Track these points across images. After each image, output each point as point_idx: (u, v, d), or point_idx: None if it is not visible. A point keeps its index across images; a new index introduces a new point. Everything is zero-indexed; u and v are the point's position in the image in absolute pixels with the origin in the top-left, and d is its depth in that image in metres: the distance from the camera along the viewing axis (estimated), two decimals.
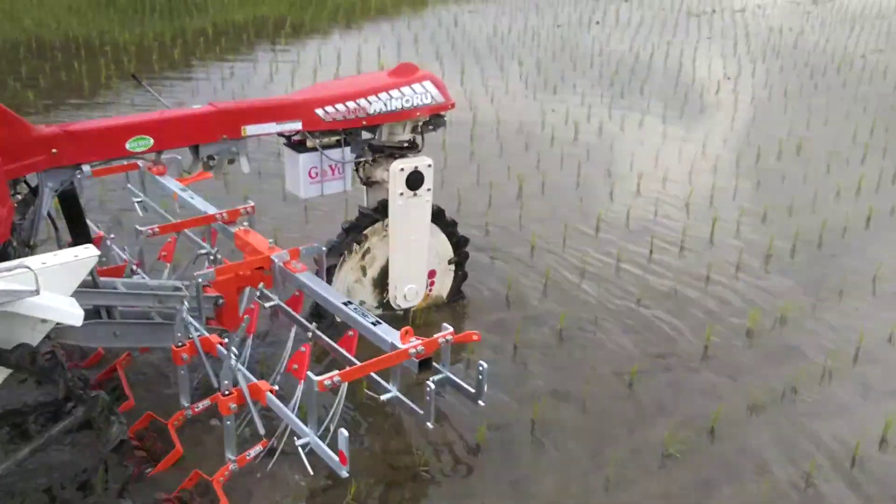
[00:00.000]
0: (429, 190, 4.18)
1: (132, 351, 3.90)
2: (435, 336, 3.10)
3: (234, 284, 3.82)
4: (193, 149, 3.65)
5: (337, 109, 3.84)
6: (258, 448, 3.22)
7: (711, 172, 7.32)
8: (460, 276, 4.69)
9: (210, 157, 3.71)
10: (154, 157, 3.59)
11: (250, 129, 3.66)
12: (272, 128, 3.72)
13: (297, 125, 3.79)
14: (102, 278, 3.69)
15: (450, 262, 4.61)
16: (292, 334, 3.64)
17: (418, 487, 3.31)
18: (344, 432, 2.75)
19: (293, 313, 3.56)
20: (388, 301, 4.38)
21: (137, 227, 4.05)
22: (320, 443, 2.90)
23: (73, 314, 2.56)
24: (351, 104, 3.87)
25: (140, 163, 4.68)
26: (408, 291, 4.33)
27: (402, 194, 4.09)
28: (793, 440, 3.76)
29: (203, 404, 3.49)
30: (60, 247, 3.54)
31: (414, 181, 4.10)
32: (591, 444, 3.65)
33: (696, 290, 5.11)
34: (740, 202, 6.64)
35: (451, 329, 3.13)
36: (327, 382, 2.86)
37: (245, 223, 4.11)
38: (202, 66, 10.98)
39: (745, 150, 7.98)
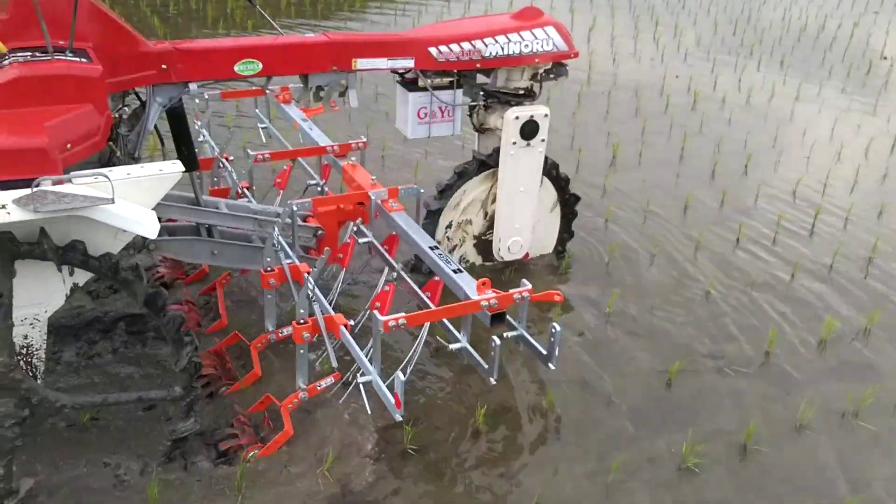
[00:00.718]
0: (543, 141, 4.03)
1: (233, 271, 4.00)
2: (511, 291, 2.98)
3: (334, 217, 3.83)
4: (303, 78, 3.64)
5: (451, 49, 3.73)
6: (329, 380, 3.23)
7: (834, 158, 6.63)
8: (566, 233, 4.52)
9: (319, 88, 3.69)
10: (264, 81, 3.60)
11: (361, 63, 3.61)
12: (383, 63, 3.66)
13: (409, 63, 3.71)
14: (207, 197, 3.79)
15: (553, 207, 4.41)
16: (384, 274, 3.62)
17: (473, 442, 3.24)
18: (400, 376, 2.70)
19: (384, 252, 3.53)
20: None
21: (248, 150, 4.12)
22: (381, 383, 2.87)
23: (147, 226, 2.60)
24: (466, 45, 3.75)
25: (267, 90, 4.75)
26: (512, 244, 4.22)
27: (514, 143, 3.96)
28: (838, 473, 3.26)
29: (287, 330, 3.53)
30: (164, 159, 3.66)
31: (528, 130, 3.96)
32: (604, 444, 3.30)
33: (795, 286, 4.58)
34: (876, 196, 6.02)
35: (529, 286, 3.00)
36: (392, 324, 2.80)
37: (353, 158, 4.11)
38: (345, 15, 10.79)
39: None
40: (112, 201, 2.50)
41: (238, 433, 3.14)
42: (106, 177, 2.49)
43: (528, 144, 3.98)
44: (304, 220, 3.83)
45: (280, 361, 3.57)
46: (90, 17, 3.02)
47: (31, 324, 2.75)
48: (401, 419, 2.80)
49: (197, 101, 4.51)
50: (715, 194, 5.69)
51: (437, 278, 3.31)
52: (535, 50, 3.88)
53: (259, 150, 4.17)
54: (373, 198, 3.66)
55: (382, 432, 3.21)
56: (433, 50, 3.70)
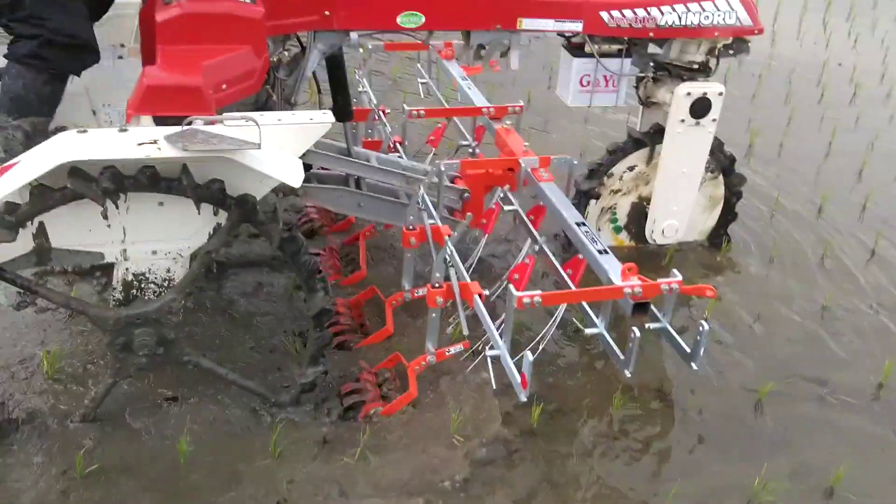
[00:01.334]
0: (714, 121, 3.75)
1: (377, 224, 3.97)
2: (659, 280, 2.79)
3: (482, 181, 3.74)
4: (465, 35, 3.52)
5: (623, 15, 3.50)
6: (459, 347, 3.15)
7: None
8: (728, 217, 4.22)
9: (481, 46, 3.56)
10: (426, 35, 3.51)
11: (526, 23, 3.45)
12: (549, 24, 3.48)
13: (578, 26, 3.52)
14: (358, 149, 3.76)
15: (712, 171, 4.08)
16: (526, 245, 3.49)
17: (601, 429, 3.08)
18: (529, 355, 2.58)
19: (527, 222, 3.40)
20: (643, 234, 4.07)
21: (405, 105, 4.06)
22: (509, 359, 2.76)
23: (292, 175, 2.57)
24: (640, 11, 3.51)
25: (431, 44, 4.67)
26: (667, 227, 3.99)
27: (682, 121, 3.71)
28: None
29: (422, 291, 3.47)
30: (320, 109, 3.64)
31: (699, 108, 3.69)
32: (661, 471, 2.92)
33: None
34: None
35: (679, 277, 2.80)
36: (526, 300, 2.68)
37: (508, 122, 3.97)
38: None
39: None
40: (258, 146, 2.48)
41: (362, 389, 3.12)
42: (255, 121, 2.47)
43: (698, 123, 3.71)
44: (452, 182, 3.75)
45: (413, 321, 3.51)
46: None
47: (174, 258, 2.79)
48: (525, 399, 2.69)
49: (360, 50, 4.49)
50: (857, 198, 5.06)
51: (580, 256, 3.16)
52: (715, 22, 3.59)
53: (417, 105, 4.11)
54: (522, 165, 3.52)
55: (507, 407, 3.10)
56: (604, 14, 3.49)
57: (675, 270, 2.82)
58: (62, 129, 3.04)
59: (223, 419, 2.98)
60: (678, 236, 4.02)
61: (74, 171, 2.40)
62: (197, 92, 2.59)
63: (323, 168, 3.65)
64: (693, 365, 2.81)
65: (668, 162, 3.80)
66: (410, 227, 3.32)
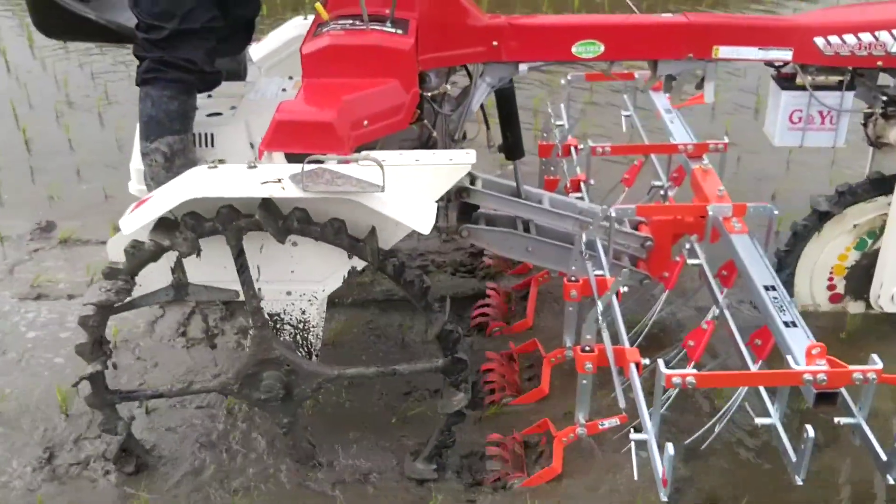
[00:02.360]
0: None
1: (552, 270, 3.66)
2: (852, 367, 2.26)
3: (670, 229, 3.32)
4: (652, 64, 3.14)
5: (844, 41, 2.96)
6: (614, 421, 2.78)
7: None
8: None
9: (671, 77, 3.17)
10: (607, 66, 3.17)
11: (724, 51, 3.01)
12: (752, 53, 3.02)
13: (787, 55, 3.02)
14: (529, 189, 3.48)
15: None
16: (661, 299, 3.07)
17: None
18: (670, 448, 2.17)
19: (710, 279, 2.95)
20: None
21: (590, 142, 3.72)
22: (655, 447, 2.35)
23: (420, 220, 2.36)
24: (866, 37, 2.95)
25: (636, 74, 4.29)
26: None
27: None
28: None
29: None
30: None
31: None
32: None
33: None
34: None
35: (879, 365, 2.25)
36: (676, 380, 2.27)
37: (705, 162, 3.51)
38: None
39: None
40: (382, 189, 2.29)
41: (502, 456, 2.83)
42: (378, 163, 2.29)
43: None
44: (636, 228, 3.37)
45: (572, 382, 3.16)
46: None
47: (308, 300, 2.67)
48: (665, 499, 2.27)
49: (562, 81, 4.21)
50: None
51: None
52: None
53: (615, 139, 3.77)
54: (711, 213, 3.07)
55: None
56: (819, 40, 2.97)
57: (874, 356, 2.28)
58: (221, 161, 3.05)
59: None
60: None
61: (266, 203, 2.35)
62: (329, 129, 2.45)
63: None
64: (889, 478, 2.25)
65: None
66: (572, 278, 2.99)
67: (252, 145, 3.05)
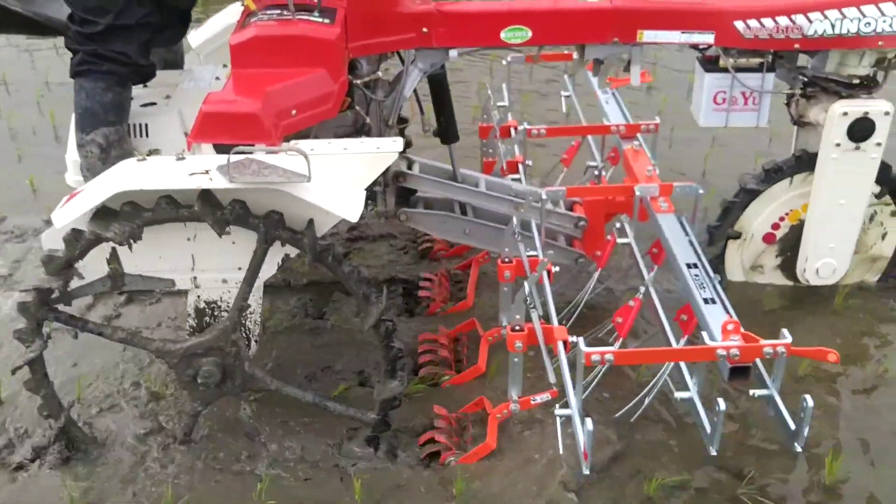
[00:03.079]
0: (878, 145, 3.20)
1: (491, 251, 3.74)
2: (762, 342, 2.37)
3: (602, 208, 3.41)
4: (579, 48, 3.21)
5: (763, 25, 3.05)
6: (546, 396, 2.86)
7: None
8: None
9: (598, 62, 3.24)
10: (535, 50, 3.23)
11: (648, 35, 3.09)
12: (675, 36, 3.10)
13: (709, 38, 3.11)
14: (466, 172, 3.54)
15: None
16: (593, 278, 3.18)
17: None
18: (588, 424, 2.27)
19: (639, 258, 3.05)
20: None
21: (525, 123, 3.79)
22: (579, 423, 2.45)
23: (348, 209, 2.42)
24: (783, 20, 3.04)
25: (575, 55, 4.37)
26: (822, 266, 3.46)
27: (838, 145, 3.19)
28: None
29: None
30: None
31: (859, 130, 3.17)
32: None
33: None
34: None
35: (788, 339, 2.36)
36: (595, 357, 2.36)
37: (636, 142, 3.61)
38: None
39: None
40: (308, 179, 2.34)
41: (442, 434, 2.91)
42: (302, 153, 2.33)
43: (858, 148, 3.18)
44: (571, 207, 3.45)
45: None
46: None
47: None
48: (587, 472, 2.37)
49: (504, 62, 4.25)
50: None
51: None
52: (879, 30, 3.04)
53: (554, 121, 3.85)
54: (638, 193, 3.16)
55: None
56: (739, 24, 3.06)
57: (784, 331, 2.39)
58: (155, 151, 3.08)
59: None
60: (836, 276, 3.48)
61: (204, 195, 2.37)
62: (255, 119, 2.48)
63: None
64: (797, 446, 2.37)
65: (821, 192, 3.29)
66: (506, 259, 3.06)
67: (186, 134, 3.07)
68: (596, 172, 3.72)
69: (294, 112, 2.62)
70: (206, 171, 2.36)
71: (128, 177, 2.39)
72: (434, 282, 3.70)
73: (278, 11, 2.78)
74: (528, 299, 2.72)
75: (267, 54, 2.68)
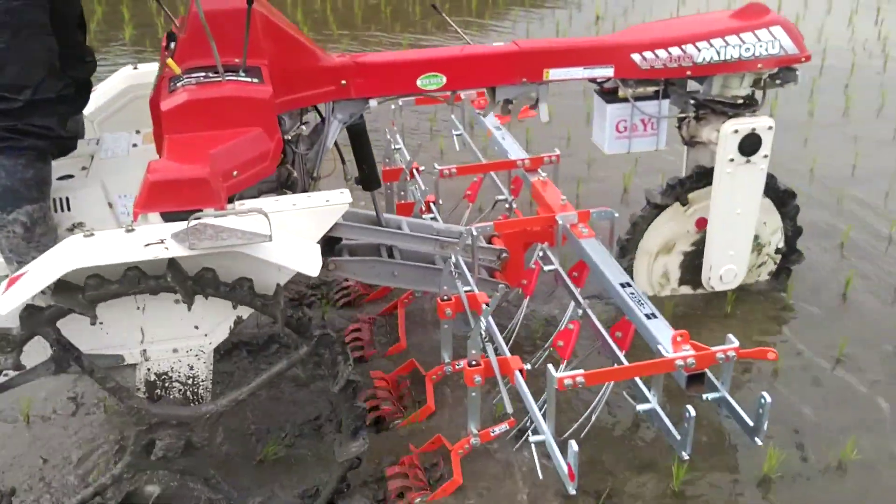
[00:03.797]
0: (766, 157, 3.51)
1: (415, 291, 3.80)
2: (714, 349, 2.55)
3: (520, 239, 3.55)
4: (490, 91, 3.35)
5: (657, 56, 3.30)
6: (504, 427, 2.95)
7: None
8: (791, 254, 3.97)
9: (507, 101, 3.39)
10: (450, 95, 3.35)
11: (553, 73, 3.27)
12: (578, 73, 3.30)
13: (609, 72, 3.33)
14: (388, 216, 3.60)
15: (777, 252, 3.91)
16: (570, 307, 3.29)
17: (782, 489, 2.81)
18: (574, 446, 2.37)
19: (569, 283, 3.19)
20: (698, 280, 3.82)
21: (435, 165, 3.90)
22: (554, 445, 2.55)
23: (310, 263, 2.43)
24: (675, 50, 3.30)
25: (462, 95, 4.52)
26: (724, 273, 3.73)
27: (731, 160, 3.47)
28: None
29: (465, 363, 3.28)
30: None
31: (749, 145, 3.46)
32: None
33: None
34: None
35: (736, 343, 2.56)
36: (567, 381, 2.48)
37: (543, 174, 3.79)
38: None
39: None
40: (269, 238, 2.33)
41: (406, 474, 2.93)
42: (262, 213, 2.33)
43: (748, 161, 3.47)
44: (489, 241, 3.57)
45: (456, 395, 3.32)
46: (265, 33, 2.89)
47: (196, 355, 2.66)
48: (574, 492, 2.47)
49: (392, 107, 4.35)
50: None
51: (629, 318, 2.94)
52: (757, 54, 3.36)
53: (453, 158, 3.96)
54: (560, 221, 3.32)
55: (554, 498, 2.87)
56: (636, 56, 3.29)
57: (730, 336, 2.58)
58: (79, 224, 2.98)
59: None
60: (737, 281, 3.76)
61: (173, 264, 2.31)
62: (203, 184, 2.46)
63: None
64: (757, 440, 2.56)
65: (720, 204, 3.56)
66: (445, 297, 3.14)
67: (111, 205, 2.99)
68: (507, 206, 3.86)
69: (236, 173, 2.60)
70: (162, 241, 2.31)
71: (79, 253, 2.31)
72: (362, 329, 3.72)
73: (203, 74, 2.76)
74: (484, 334, 2.80)
75: (201, 117, 2.65)
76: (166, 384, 2.68)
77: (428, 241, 3.46)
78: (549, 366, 2.52)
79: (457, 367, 3.28)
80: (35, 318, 2.31)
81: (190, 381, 2.70)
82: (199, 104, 2.65)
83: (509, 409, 2.90)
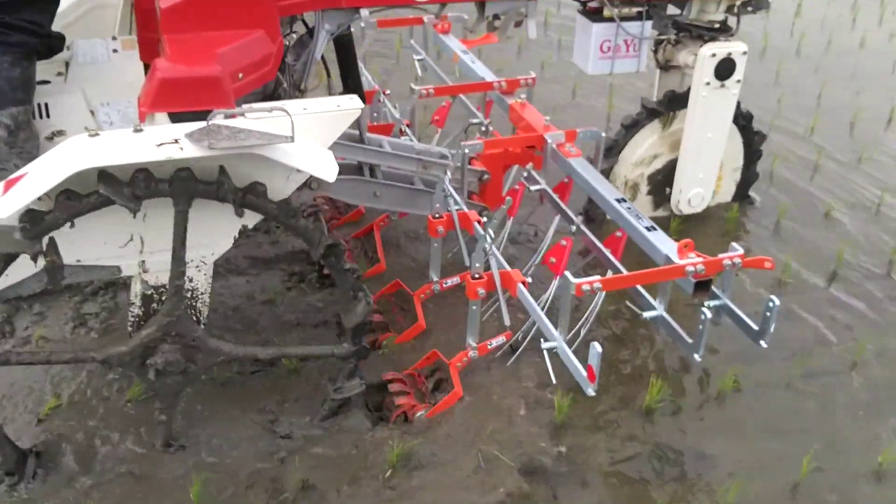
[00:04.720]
0: (738, 82, 3.59)
1: (390, 213, 3.75)
2: (720, 256, 2.63)
3: (501, 161, 3.56)
4: (479, 5, 3.30)
5: None
6: (501, 339, 2.98)
7: None
8: (751, 176, 4.10)
9: (496, 17, 3.35)
10: (438, 9, 3.28)
11: None
12: None
13: None
14: (370, 135, 3.54)
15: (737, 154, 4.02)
16: (554, 223, 3.32)
17: (660, 419, 2.89)
18: (597, 346, 2.41)
19: (559, 201, 3.22)
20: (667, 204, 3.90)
21: (412, 85, 3.84)
22: (568, 351, 2.59)
23: (327, 168, 2.36)
24: None
25: (425, 18, 4.44)
26: (693, 196, 3.82)
27: (707, 84, 3.53)
28: None
29: (452, 281, 3.29)
30: (331, 94, 3.40)
31: (724, 69, 3.52)
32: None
33: None
34: None
35: (740, 251, 2.64)
36: (586, 287, 2.51)
37: (523, 95, 3.78)
38: None
39: None
40: (292, 140, 2.26)
41: (403, 391, 2.93)
42: (285, 111, 2.25)
43: (723, 85, 3.54)
44: (469, 163, 3.55)
45: (443, 313, 3.32)
46: None
47: (196, 266, 2.57)
48: (594, 393, 2.52)
49: (352, 29, 4.23)
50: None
51: (618, 233, 2.99)
52: None
53: (414, 83, 3.90)
54: (549, 141, 3.33)
55: (547, 402, 2.91)
56: None
57: (734, 244, 2.66)
58: (60, 133, 2.80)
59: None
60: (704, 204, 3.87)
61: (103, 175, 2.18)
62: (216, 83, 2.35)
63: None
64: (762, 343, 2.66)
65: (693, 128, 3.63)
66: (437, 215, 3.12)
67: (92, 112, 2.82)
68: (482, 128, 3.83)
69: (241, 76, 2.50)
70: (176, 141, 2.21)
71: (88, 153, 2.18)
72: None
73: None
74: (489, 249, 2.80)
75: (203, 16, 2.52)
76: (163, 297, 2.58)
77: (411, 161, 3.42)
78: (567, 273, 2.54)
79: (444, 285, 3.28)
80: (68, 205, 2.19)
81: (189, 294, 2.61)
82: (201, 3, 2.52)
83: (507, 323, 2.93)
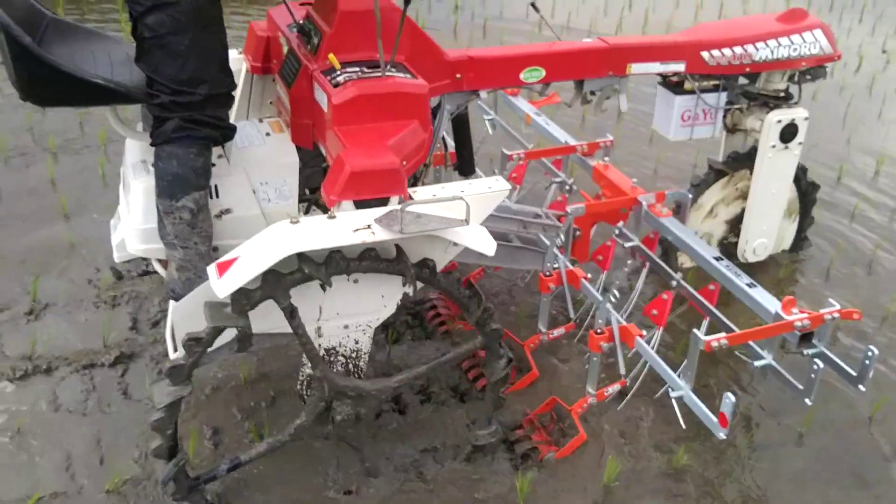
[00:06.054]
0: (800, 144, 3.98)
1: (487, 267, 4.08)
2: (822, 311, 2.99)
3: (591, 220, 3.89)
4: (578, 83, 3.67)
5: (723, 54, 3.70)
6: (616, 387, 3.32)
7: None
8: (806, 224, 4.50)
9: (592, 93, 3.72)
10: (542, 87, 3.65)
11: (635, 68, 3.62)
12: (656, 67, 3.66)
13: (681, 66, 3.70)
14: None
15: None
16: (643, 275, 3.66)
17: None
18: (731, 397, 2.75)
19: (655, 258, 3.57)
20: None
21: (504, 150, 4.19)
22: (696, 399, 2.93)
23: (487, 244, 2.69)
24: (738, 49, 3.71)
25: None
26: (758, 246, 4.20)
27: (773, 146, 3.92)
28: None
29: (557, 332, 3.63)
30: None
31: (788, 133, 3.92)
32: None
33: None
34: None
35: (837, 306, 3.00)
36: (714, 344, 2.86)
37: (606, 158, 4.15)
38: None
39: None
40: (466, 223, 2.59)
41: (531, 435, 3.26)
42: (462, 199, 2.59)
43: (786, 147, 3.93)
44: (558, 220, 3.89)
45: (552, 362, 3.66)
46: (404, 31, 3.10)
47: (363, 330, 2.88)
48: (724, 437, 2.87)
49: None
50: None
51: (711, 286, 3.33)
52: (802, 53, 3.82)
53: (490, 142, 4.23)
54: (643, 203, 3.69)
55: (659, 446, 3.28)
56: (705, 54, 3.68)
57: (831, 300, 3.02)
58: (227, 211, 3.13)
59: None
60: (767, 253, 4.24)
61: (303, 256, 2.51)
62: (396, 174, 2.69)
63: None
64: (861, 387, 3.02)
65: (759, 185, 4.01)
66: (548, 273, 3.47)
67: (254, 192, 3.14)
68: (567, 188, 4.17)
69: (405, 163, 2.83)
70: (368, 227, 2.54)
71: (293, 239, 2.50)
72: (437, 305, 3.99)
73: (359, 69, 2.96)
74: (610, 307, 3.15)
75: (369, 110, 2.85)
76: (332, 357, 2.89)
77: (513, 222, 3.76)
78: (695, 330, 2.90)
79: (551, 336, 3.62)
80: (275, 283, 2.51)
81: (353, 355, 2.93)
82: (368, 98, 2.85)
83: (623, 372, 3.27)
